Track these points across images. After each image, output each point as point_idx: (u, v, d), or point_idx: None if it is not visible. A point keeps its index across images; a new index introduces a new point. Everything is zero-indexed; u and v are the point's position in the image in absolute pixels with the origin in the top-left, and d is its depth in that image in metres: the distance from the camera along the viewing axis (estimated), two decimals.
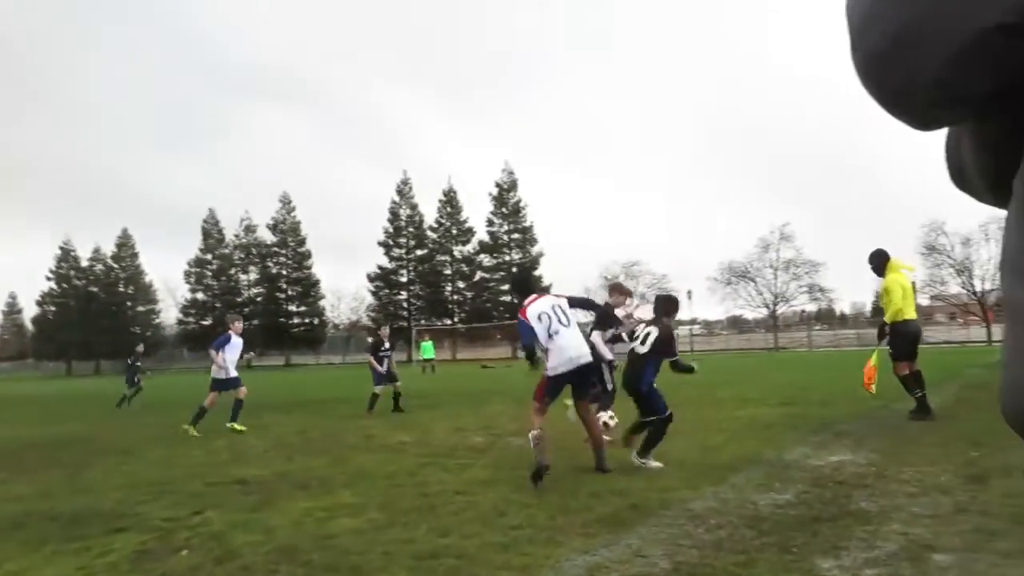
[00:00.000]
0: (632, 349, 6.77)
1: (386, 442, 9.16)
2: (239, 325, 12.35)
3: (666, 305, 7.34)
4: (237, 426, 11.20)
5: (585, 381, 6.81)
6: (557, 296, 7.07)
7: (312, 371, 34.83)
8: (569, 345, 6.63)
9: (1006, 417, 0.79)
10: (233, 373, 11.83)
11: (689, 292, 56.63)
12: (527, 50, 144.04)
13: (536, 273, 65.02)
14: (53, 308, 75.49)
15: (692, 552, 4.00)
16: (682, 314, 71.34)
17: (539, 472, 5.92)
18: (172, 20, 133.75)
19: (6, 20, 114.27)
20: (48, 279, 75.79)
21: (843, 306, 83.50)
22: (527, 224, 66.18)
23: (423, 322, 62.53)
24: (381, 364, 13.50)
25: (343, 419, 12.27)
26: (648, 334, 6.81)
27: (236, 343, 11.98)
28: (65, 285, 75.54)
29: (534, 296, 7.10)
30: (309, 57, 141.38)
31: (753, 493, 5.42)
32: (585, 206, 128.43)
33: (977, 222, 45.50)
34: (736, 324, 75.01)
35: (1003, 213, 0.75)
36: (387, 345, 13.94)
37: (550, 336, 6.68)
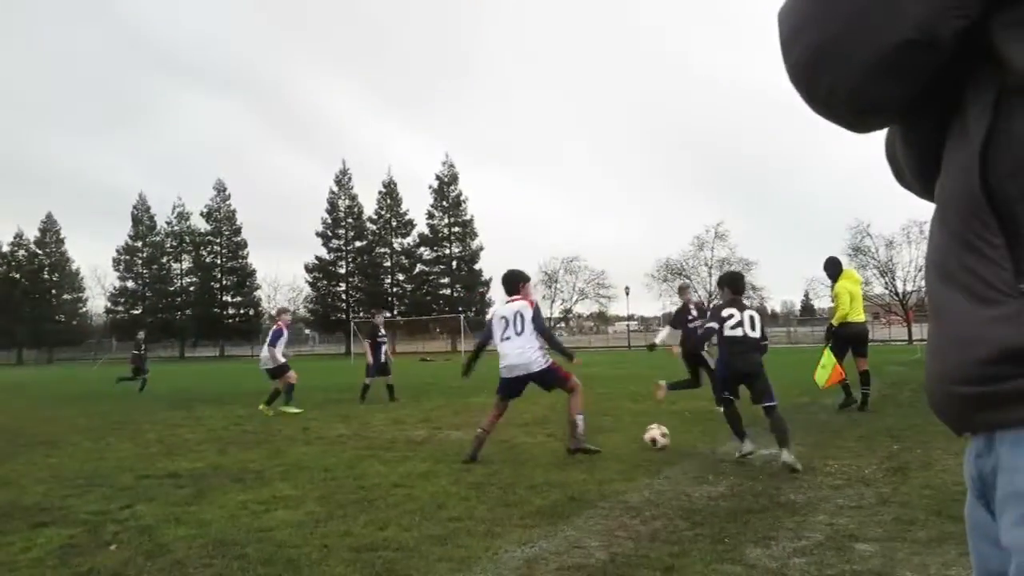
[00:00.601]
0: (743, 336, 6.66)
1: (324, 434, 9.07)
2: (288, 318, 13.66)
3: (742, 284, 7.21)
4: (291, 408, 11.83)
5: (515, 391, 7.16)
6: (528, 304, 7.25)
7: (247, 362, 34.20)
8: (510, 354, 7.03)
9: (932, 408, 0.85)
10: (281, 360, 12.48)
11: (627, 288, 57.52)
12: (470, 45, 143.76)
13: (475, 267, 65.08)
14: None
15: (628, 543, 4.08)
16: (619, 310, 72.42)
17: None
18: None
19: None
20: None
21: (774, 304, 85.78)
22: (467, 217, 66.16)
23: (362, 314, 61.92)
24: (378, 351, 13.40)
25: (278, 411, 12.08)
26: (752, 317, 6.76)
27: (286, 335, 12.82)
28: None
29: (513, 298, 7.40)
30: (246, 43, 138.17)
31: (687, 485, 5.56)
32: (525, 202, 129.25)
33: (900, 225, 47.43)
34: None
35: (925, 217, 0.84)
36: (383, 332, 13.80)
37: (501, 340, 7.13)
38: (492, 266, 68.09)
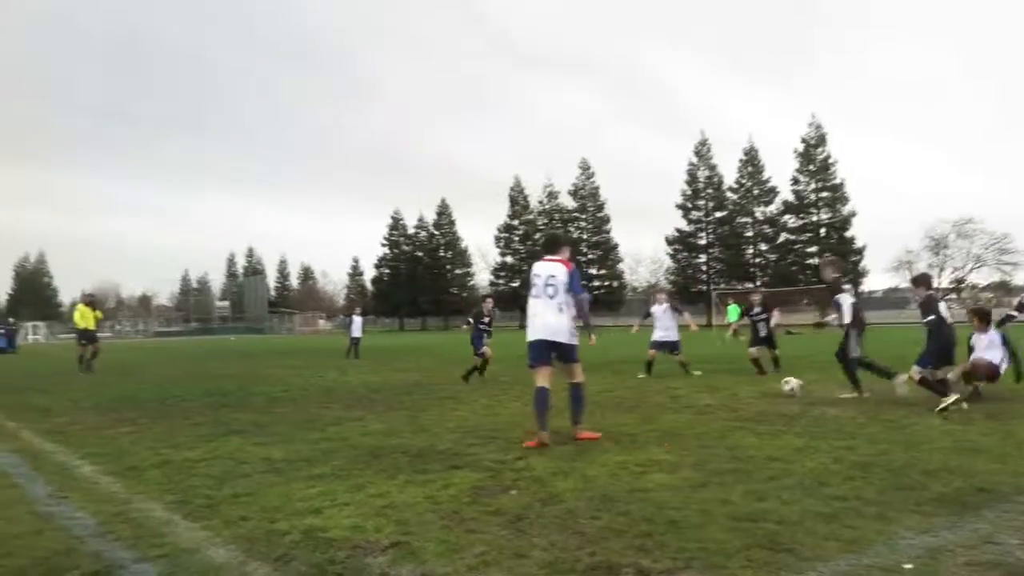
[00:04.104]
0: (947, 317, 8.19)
1: (692, 403, 9.16)
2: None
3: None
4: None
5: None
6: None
7: (612, 333, 35.69)
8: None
9: None
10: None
11: None
12: (831, 9, 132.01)
13: (847, 234, 60.09)
14: (387, 271, 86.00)
15: None
16: None
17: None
18: (460, 4, 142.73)
19: (341, 24, 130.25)
20: (383, 245, 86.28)
21: None
22: (837, 181, 61.29)
23: (723, 286, 60.97)
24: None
25: (646, 379, 12.45)
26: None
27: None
28: (396, 250, 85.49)
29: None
30: (601, 29, 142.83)
31: None
32: (905, 161, 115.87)
33: None
34: None
35: None
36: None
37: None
38: (867, 233, 62.54)
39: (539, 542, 3.75)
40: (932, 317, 8.53)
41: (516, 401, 9.81)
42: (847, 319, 9.44)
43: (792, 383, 9.68)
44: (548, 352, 6.89)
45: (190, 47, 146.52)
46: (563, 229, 75.54)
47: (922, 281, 9.19)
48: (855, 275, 59.26)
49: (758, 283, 61.92)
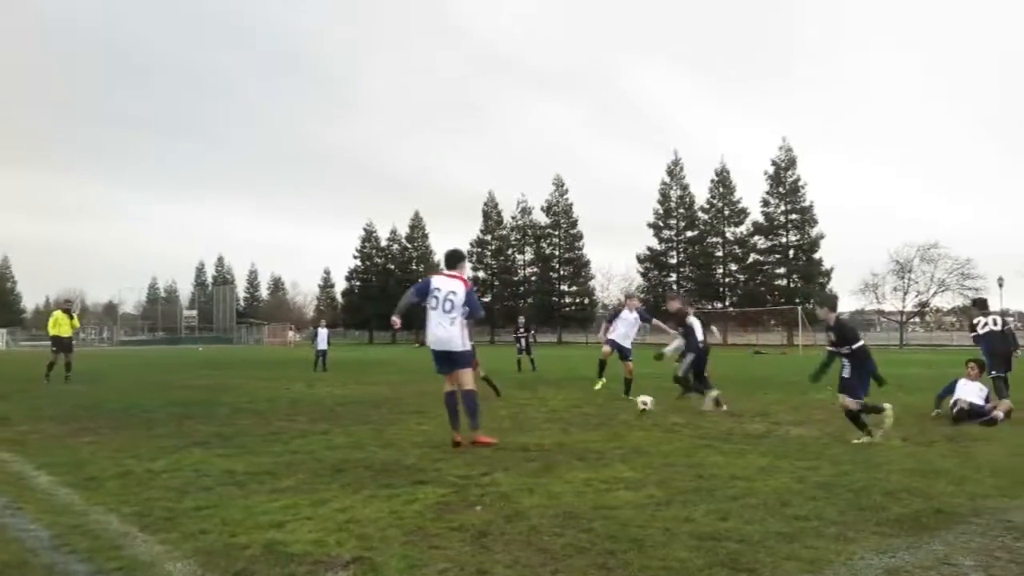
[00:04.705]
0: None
1: (659, 422, 9.20)
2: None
3: None
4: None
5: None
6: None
7: (582, 349, 35.78)
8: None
9: None
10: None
11: (1000, 279, 49.84)
12: (801, 22, 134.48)
13: (815, 256, 60.97)
14: (358, 283, 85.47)
15: (1012, 567, 3.58)
16: (990, 304, 63.15)
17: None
18: (438, 18, 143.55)
19: (319, 33, 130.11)
20: (355, 257, 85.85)
21: None
22: (806, 204, 62.25)
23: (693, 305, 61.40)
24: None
25: (614, 396, 12.48)
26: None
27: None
28: (368, 263, 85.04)
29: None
30: (576, 44, 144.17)
31: None
32: (872, 186, 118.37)
33: None
34: None
35: None
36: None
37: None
38: (834, 256, 63.49)
39: (502, 559, 3.74)
40: (858, 344, 7.76)
41: (483, 417, 9.76)
42: (700, 336, 11.02)
43: (647, 400, 9.83)
44: (447, 361, 7.45)
45: (165, 49, 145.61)
46: (536, 244, 75.75)
47: (826, 303, 8.33)
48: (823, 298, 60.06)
49: (727, 303, 62.62)
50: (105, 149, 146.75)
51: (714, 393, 10.54)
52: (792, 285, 61.19)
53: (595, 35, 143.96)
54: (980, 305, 10.75)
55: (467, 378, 7.46)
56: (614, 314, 13.24)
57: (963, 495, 5.10)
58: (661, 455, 6.75)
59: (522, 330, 20.93)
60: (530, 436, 8.01)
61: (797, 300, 53.68)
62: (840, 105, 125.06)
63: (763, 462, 6.36)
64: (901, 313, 57.20)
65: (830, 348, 7.90)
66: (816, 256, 61.72)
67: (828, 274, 60.99)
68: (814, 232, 61.88)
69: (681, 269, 67.27)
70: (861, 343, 7.74)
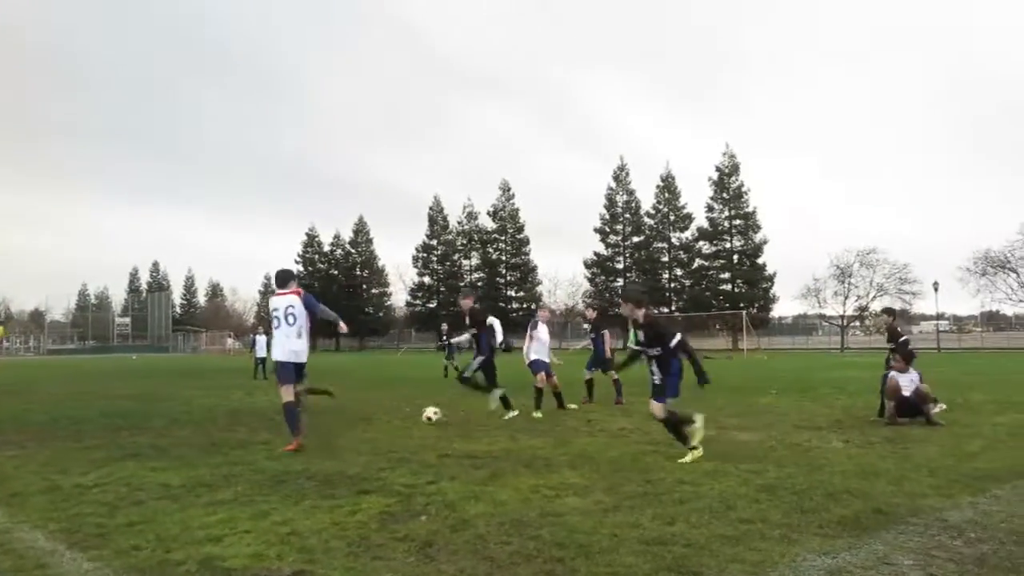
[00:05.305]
0: None
1: (606, 427, 9.21)
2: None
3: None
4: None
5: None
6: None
7: None
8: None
9: None
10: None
11: (935, 284, 51.46)
12: (751, 33, 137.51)
13: (759, 261, 62.20)
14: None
15: (949, 566, 3.65)
16: (925, 308, 65.09)
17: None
18: (385, 21, 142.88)
19: (260, 35, 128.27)
20: (296, 263, 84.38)
21: None
22: (749, 210, 63.39)
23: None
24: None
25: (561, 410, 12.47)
26: None
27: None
28: (310, 268, 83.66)
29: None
30: (524, 50, 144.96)
31: (1022, 507, 4.84)
32: (814, 193, 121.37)
33: None
34: (993, 320, 66.60)
35: None
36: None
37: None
38: (777, 261, 64.83)
39: (447, 569, 3.66)
40: (675, 342, 7.08)
41: (430, 424, 9.68)
42: (500, 337, 11.15)
43: (436, 411, 9.93)
44: (294, 372, 7.97)
45: (95, 50, 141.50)
46: (482, 249, 75.55)
47: (630, 298, 7.41)
48: (765, 301, 61.40)
49: (673, 308, 63.41)
50: (31, 156, 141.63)
51: (499, 392, 10.55)
52: (736, 290, 62.23)
53: (543, 41, 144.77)
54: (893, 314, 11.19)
55: (295, 390, 7.98)
56: (534, 324, 12.31)
57: (902, 495, 5.20)
58: (608, 460, 6.75)
59: (445, 337, 21.03)
60: (477, 444, 7.93)
61: (742, 305, 54.65)
62: (785, 112, 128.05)
63: (709, 466, 6.40)
64: (842, 317, 58.60)
65: (636, 347, 7.25)
66: (760, 261, 62.92)
67: (771, 279, 62.22)
68: (757, 237, 63.11)
69: (628, 274, 67.83)
70: (678, 339, 7.01)
